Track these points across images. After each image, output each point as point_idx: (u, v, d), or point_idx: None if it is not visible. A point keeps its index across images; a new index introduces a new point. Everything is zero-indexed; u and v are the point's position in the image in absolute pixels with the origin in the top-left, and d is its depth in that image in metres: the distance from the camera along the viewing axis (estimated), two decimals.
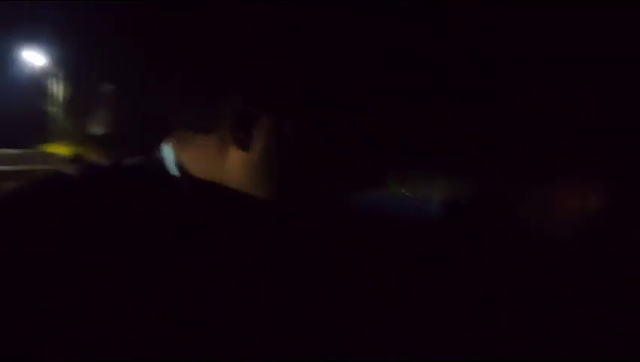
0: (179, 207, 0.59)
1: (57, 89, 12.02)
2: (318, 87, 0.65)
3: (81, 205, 0.55)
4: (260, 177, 0.62)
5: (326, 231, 0.93)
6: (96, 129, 12.19)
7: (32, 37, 11.25)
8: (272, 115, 0.60)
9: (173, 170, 0.61)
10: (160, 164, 0.62)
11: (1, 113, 12.06)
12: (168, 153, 0.63)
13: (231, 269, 0.60)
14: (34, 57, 11.74)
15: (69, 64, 11.63)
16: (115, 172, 0.63)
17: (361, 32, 0.70)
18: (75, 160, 11.95)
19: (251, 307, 0.61)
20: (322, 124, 0.64)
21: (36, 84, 12.06)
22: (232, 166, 0.61)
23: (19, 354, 0.49)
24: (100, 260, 0.53)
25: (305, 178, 0.66)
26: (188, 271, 0.57)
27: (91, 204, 0.56)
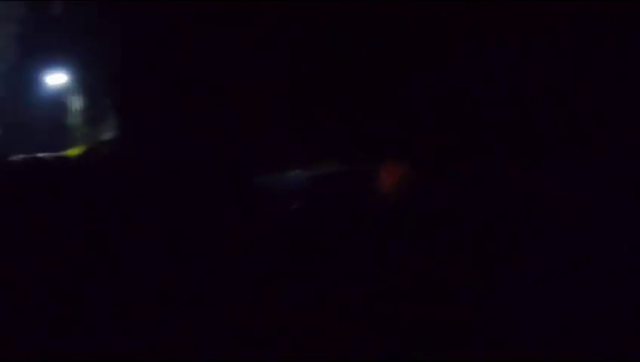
0: None
1: (75, 102, 14.35)
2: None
3: None
4: None
5: None
6: (106, 135, 14.43)
7: (54, 61, 13.65)
8: None
9: None
10: None
11: (29, 126, 14.47)
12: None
13: None
14: (56, 78, 14.00)
15: (84, 81, 13.93)
16: None
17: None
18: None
19: None
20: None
21: (57, 100, 14.36)
22: None
23: None
24: None
25: None
26: None
27: None
